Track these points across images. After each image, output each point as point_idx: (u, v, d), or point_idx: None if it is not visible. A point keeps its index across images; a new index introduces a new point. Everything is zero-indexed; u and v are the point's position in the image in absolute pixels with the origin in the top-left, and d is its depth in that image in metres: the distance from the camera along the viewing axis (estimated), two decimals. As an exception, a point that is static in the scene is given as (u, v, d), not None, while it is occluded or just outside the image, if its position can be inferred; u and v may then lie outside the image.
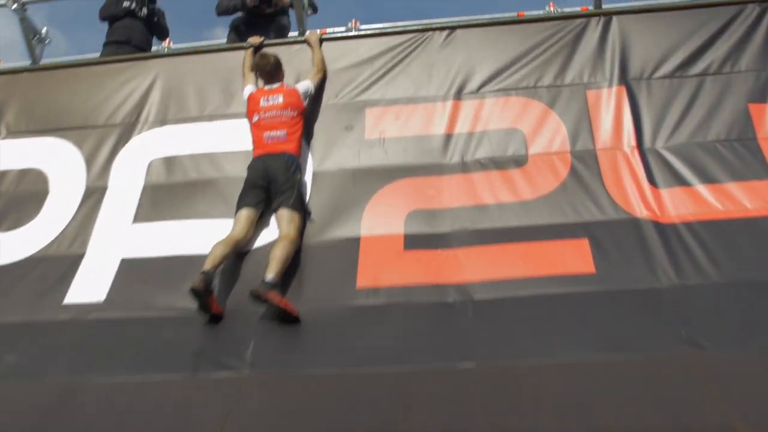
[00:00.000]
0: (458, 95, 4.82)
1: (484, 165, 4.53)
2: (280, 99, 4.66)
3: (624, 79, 4.78)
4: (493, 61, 4.92)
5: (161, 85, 5.17)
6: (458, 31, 5.08)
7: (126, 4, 5.90)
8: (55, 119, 5.15)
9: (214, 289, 3.96)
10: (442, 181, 4.48)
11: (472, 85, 4.86)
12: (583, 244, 4.07)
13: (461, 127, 4.70)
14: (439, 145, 4.64)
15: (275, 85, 4.78)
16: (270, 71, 4.78)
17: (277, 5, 5.69)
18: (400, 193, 4.47)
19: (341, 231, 4.34)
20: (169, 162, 4.85)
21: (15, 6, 5.35)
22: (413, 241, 4.20)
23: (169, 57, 5.38)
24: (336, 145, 4.74)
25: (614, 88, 4.75)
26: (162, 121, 5.02)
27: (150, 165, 4.87)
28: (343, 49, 5.13)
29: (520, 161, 4.53)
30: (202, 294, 3.84)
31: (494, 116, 4.72)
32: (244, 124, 4.75)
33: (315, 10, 5.65)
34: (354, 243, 4.26)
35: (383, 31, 5.27)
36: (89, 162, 4.93)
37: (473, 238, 4.19)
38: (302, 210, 4.40)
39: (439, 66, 4.95)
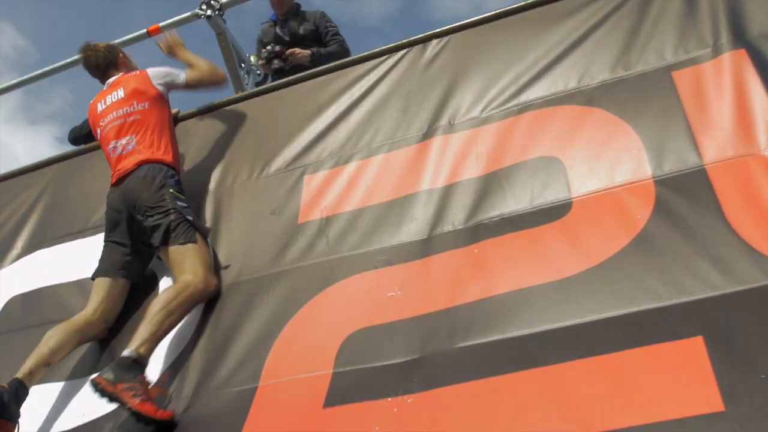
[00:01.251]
0: (448, 128, 2.87)
1: (493, 228, 2.46)
2: (121, 93, 3.14)
3: (742, 38, 2.61)
4: (503, 65, 2.96)
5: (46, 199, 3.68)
6: (453, 38, 3.21)
7: None
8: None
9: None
10: (418, 271, 2.46)
11: (469, 108, 2.90)
12: (695, 349, 1.82)
13: (453, 175, 2.71)
14: (417, 213, 2.66)
15: (112, 79, 3.25)
16: (101, 64, 3.28)
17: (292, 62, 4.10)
18: (340, 301, 2.50)
19: (238, 376, 2.42)
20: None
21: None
22: (346, 391, 2.15)
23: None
24: (255, 243, 2.90)
25: (725, 57, 2.58)
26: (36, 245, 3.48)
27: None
28: (274, 97, 3.42)
29: (558, 210, 2.42)
30: None
31: (511, 145, 2.69)
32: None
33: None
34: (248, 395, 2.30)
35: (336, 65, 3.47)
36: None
37: (468, 366, 2.08)
38: (196, 236, 2.82)
39: (418, 93, 3.07)
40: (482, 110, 2.85)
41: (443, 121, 2.90)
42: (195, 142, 3.44)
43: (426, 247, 2.53)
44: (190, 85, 3.23)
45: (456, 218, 2.56)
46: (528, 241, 2.38)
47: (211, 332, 2.68)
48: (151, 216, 2.84)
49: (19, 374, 2.62)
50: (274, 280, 2.68)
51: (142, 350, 2.50)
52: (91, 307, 2.85)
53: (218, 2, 3.63)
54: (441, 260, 2.46)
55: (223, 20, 3.70)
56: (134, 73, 3.25)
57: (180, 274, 2.75)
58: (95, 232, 3.27)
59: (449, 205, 2.61)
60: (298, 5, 4.52)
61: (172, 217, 2.82)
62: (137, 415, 2.36)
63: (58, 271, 3.26)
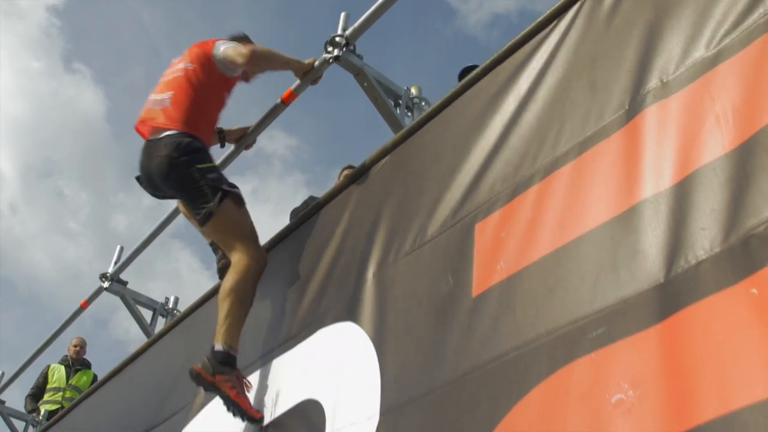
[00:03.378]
0: (662, 90, 1.77)
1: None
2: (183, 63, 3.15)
3: None
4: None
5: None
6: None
7: None
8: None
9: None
10: (658, 346, 1.40)
11: (688, 47, 1.76)
12: None
13: (687, 162, 1.60)
14: (640, 241, 1.59)
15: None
16: None
17: None
18: (543, 420, 1.52)
19: None
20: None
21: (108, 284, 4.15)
22: None
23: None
24: (424, 343, 2.03)
25: None
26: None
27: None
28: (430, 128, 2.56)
29: None
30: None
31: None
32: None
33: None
34: None
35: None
36: None
37: None
38: (235, 209, 2.86)
39: (607, 56, 2.00)
40: (710, 42, 1.71)
41: (652, 83, 1.81)
42: (350, 213, 2.74)
43: (665, 298, 1.46)
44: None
45: (707, 235, 1.46)
46: None
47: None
48: (187, 197, 2.90)
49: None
50: (451, 395, 1.80)
51: (230, 342, 2.64)
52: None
53: (344, 37, 2.94)
54: (694, 319, 1.37)
55: (358, 56, 3.00)
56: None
57: (230, 252, 2.84)
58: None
59: (691, 213, 1.52)
60: None
61: (209, 195, 2.81)
62: (234, 405, 2.54)
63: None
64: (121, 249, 4.47)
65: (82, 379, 6.72)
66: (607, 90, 1.94)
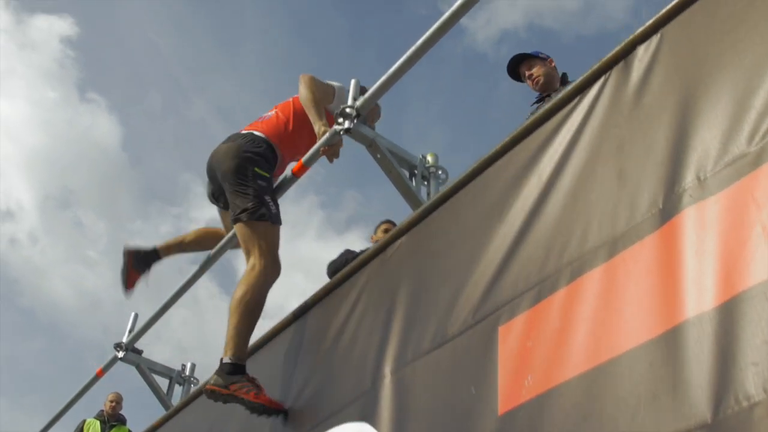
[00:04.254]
0: (699, 188, 1.59)
1: None
2: None
3: None
4: None
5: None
6: (666, 33, 1.93)
7: None
8: None
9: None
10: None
11: (726, 142, 1.59)
12: None
13: (731, 279, 1.42)
14: (683, 371, 1.41)
15: None
16: None
17: None
18: None
19: None
20: None
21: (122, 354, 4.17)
22: None
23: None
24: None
25: None
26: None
27: None
28: (449, 207, 2.41)
29: None
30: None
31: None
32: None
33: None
34: None
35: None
36: None
37: None
38: (267, 219, 2.96)
39: (634, 141, 1.84)
40: (751, 137, 1.54)
41: (688, 179, 1.64)
42: (366, 296, 2.60)
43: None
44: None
45: (760, 372, 1.28)
46: None
47: None
48: (231, 189, 3.00)
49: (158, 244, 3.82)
50: None
51: (238, 353, 2.70)
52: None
53: (354, 109, 2.81)
54: None
55: (370, 126, 2.87)
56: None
57: (247, 256, 2.94)
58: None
59: (739, 343, 1.34)
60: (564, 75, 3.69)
61: (250, 197, 2.95)
62: (257, 408, 2.58)
63: None
64: (136, 316, 4.37)
65: None
66: (636, 182, 1.77)
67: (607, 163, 1.90)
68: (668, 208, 1.65)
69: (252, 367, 2.83)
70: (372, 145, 2.84)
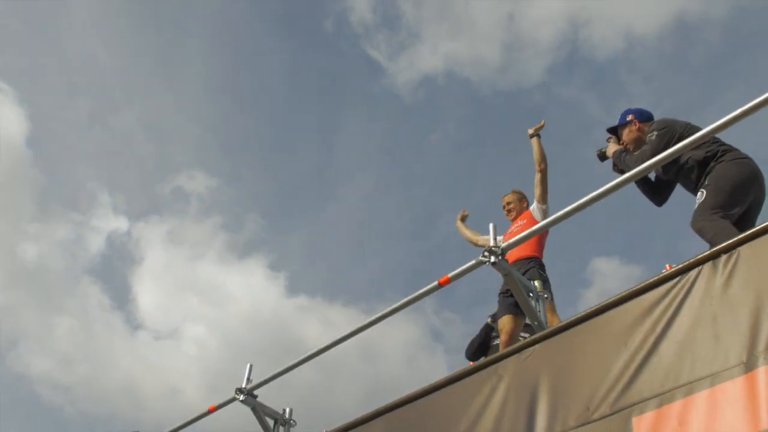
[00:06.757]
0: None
1: None
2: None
3: None
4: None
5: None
6: (742, 251, 3.26)
7: None
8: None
9: None
10: None
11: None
12: None
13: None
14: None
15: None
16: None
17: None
18: None
19: None
20: None
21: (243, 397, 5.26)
22: None
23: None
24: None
25: None
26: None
27: None
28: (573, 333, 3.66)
29: None
30: None
31: None
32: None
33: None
34: None
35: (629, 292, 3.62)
36: None
37: None
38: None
39: (724, 318, 3.13)
40: (802, 331, 2.85)
41: (761, 346, 2.93)
42: (506, 383, 3.77)
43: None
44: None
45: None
46: None
47: None
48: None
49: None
50: None
51: None
52: None
53: (499, 248, 4.06)
54: None
55: (507, 260, 4.12)
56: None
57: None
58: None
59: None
60: None
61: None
62: None
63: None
64: (251, 367, 5.41)
65: None
66: (728, 343, 3.04)
67: (705, 327, 3.17)
68: (750, 363, 2.92)
69: None
70: (507, 275, 4.09)
